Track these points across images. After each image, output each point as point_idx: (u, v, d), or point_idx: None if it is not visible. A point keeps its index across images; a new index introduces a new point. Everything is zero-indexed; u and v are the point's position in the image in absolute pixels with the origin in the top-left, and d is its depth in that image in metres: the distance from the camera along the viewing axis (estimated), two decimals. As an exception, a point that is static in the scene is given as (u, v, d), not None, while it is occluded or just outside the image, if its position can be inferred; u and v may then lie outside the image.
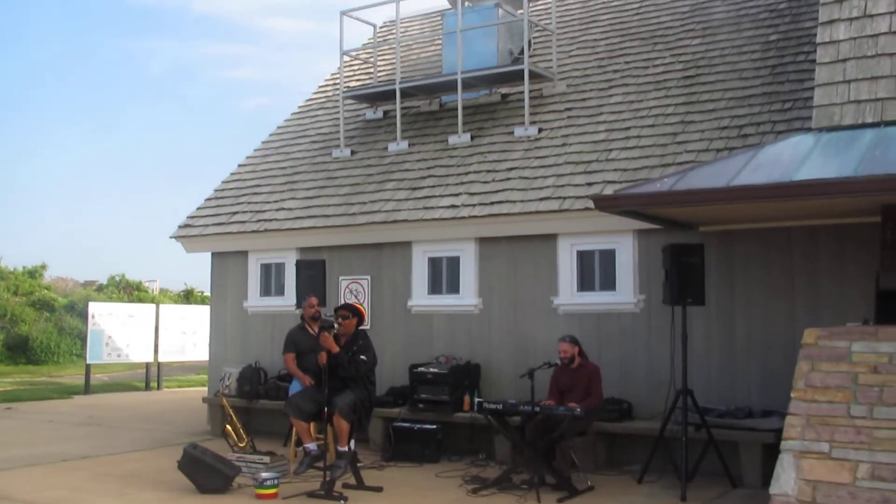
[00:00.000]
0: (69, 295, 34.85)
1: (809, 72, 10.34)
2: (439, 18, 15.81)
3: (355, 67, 16.76)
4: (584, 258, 10.94)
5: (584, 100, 12.66)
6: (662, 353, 9.66)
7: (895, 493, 5.90)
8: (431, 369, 10.98)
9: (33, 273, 35.28)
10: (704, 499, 8.33)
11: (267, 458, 9.35)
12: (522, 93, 12.64)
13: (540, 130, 12.32)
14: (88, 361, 20.17)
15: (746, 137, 10.38)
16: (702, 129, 10.94)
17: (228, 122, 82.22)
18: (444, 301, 11.82)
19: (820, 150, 8.28)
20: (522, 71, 12.62)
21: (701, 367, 9.84)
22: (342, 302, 11.64)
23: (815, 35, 9.55)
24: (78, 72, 73.78)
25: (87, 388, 19.65)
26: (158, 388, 20.92)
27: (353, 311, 9.14)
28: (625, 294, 10.55)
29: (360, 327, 9.17)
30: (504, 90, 13.59)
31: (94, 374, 20.65)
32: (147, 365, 21.20)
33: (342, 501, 8.13)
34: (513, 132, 12.54)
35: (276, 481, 8.49)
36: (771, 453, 7.90)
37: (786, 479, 6.24)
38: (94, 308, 20.65)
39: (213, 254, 14.06)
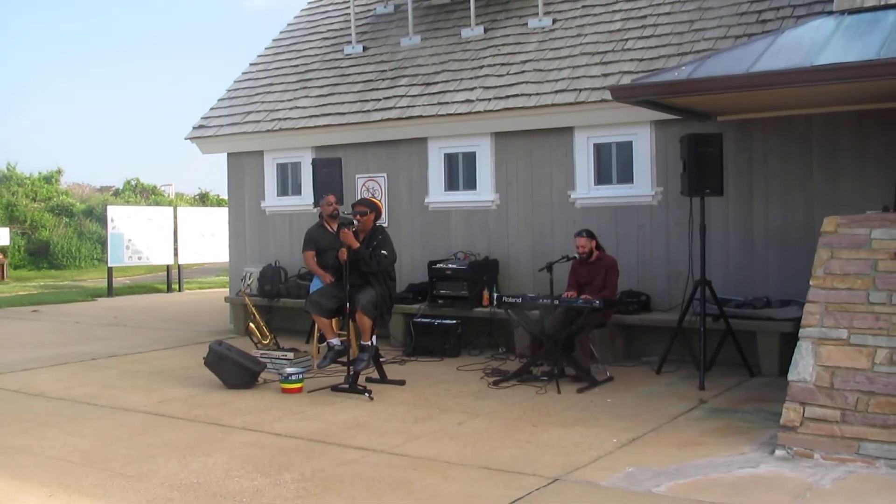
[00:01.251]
0: (86, 200, 35.02)
1: (832, -47, 10.04)
2: None
3: (365, -40, 16.38)
4: (600, 151, 10.86)
5: (599, -12, 12.37)
6: (680, 245, 9.67)
7: (912, 376, 5.97)
8: (450, 265, 11.06)
9: (49, 179, 35.40)
10: (722, 387, 8.43)
11: (291, 355, 9.51)
12: (536, -18, 12.36)
13: (554, 21, 12.08)
14: (110, 264, 20.40)
15: (766, 23, 10.16)
16: (720, 15, 10.69)
17: (238, 22, 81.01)
18: (461, 197, 11.82)
19: (841, 33, 8.09)
20: (536, -41, 12.32)
21: (719, 257, 9.86)
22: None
23: (840, -86, 9.23)
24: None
25: (111, 291, 19.97)
26: (180, 289, 21.22)
27: (371, 206, 9.07)
28: (642, 186, 10.50)
29: (378, 223, 9.17)
30: (517, -20, 13.29)
31: (115, 277, 20.92)
32: (167, 267, 21.45)
33: (367, 394, 8.25)
34: (526, 24, 12.31)
35: (301, 376, 8.64)
36: (788, 343, 7.99)
37: (804, 365, 6.30)
38: (113, 211, 20.77)
39: (228, 154, 14.03)
